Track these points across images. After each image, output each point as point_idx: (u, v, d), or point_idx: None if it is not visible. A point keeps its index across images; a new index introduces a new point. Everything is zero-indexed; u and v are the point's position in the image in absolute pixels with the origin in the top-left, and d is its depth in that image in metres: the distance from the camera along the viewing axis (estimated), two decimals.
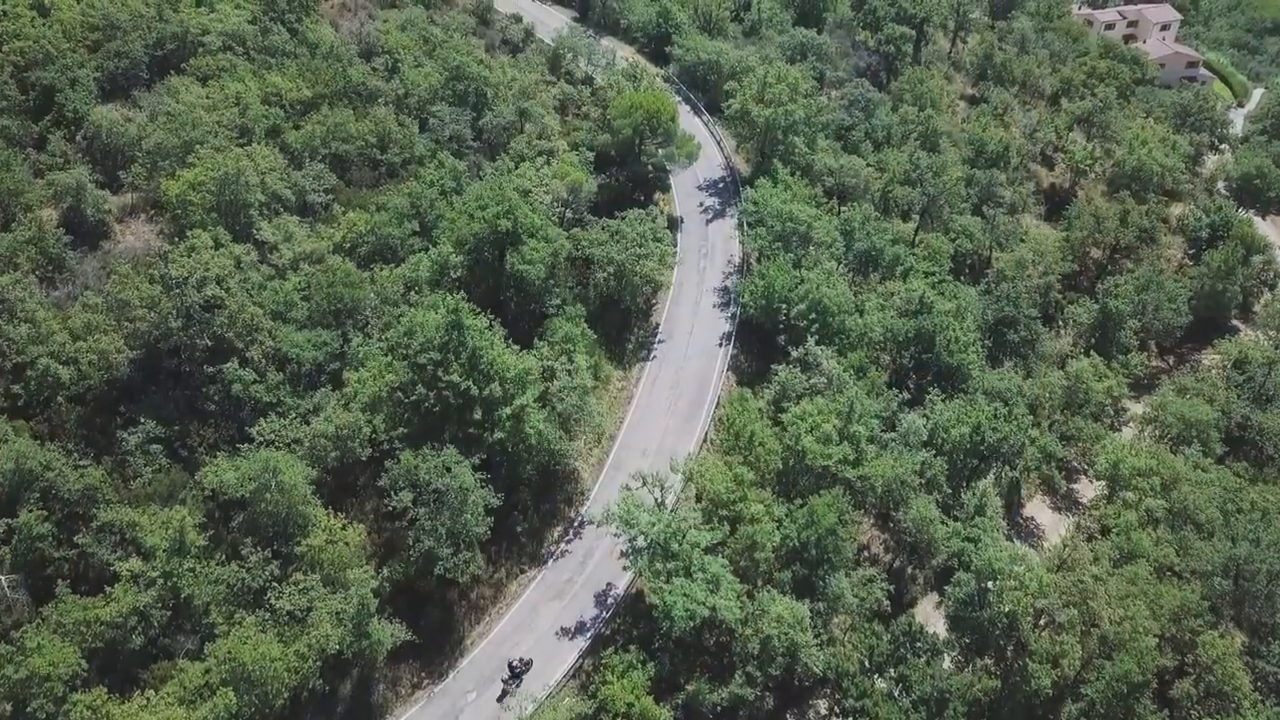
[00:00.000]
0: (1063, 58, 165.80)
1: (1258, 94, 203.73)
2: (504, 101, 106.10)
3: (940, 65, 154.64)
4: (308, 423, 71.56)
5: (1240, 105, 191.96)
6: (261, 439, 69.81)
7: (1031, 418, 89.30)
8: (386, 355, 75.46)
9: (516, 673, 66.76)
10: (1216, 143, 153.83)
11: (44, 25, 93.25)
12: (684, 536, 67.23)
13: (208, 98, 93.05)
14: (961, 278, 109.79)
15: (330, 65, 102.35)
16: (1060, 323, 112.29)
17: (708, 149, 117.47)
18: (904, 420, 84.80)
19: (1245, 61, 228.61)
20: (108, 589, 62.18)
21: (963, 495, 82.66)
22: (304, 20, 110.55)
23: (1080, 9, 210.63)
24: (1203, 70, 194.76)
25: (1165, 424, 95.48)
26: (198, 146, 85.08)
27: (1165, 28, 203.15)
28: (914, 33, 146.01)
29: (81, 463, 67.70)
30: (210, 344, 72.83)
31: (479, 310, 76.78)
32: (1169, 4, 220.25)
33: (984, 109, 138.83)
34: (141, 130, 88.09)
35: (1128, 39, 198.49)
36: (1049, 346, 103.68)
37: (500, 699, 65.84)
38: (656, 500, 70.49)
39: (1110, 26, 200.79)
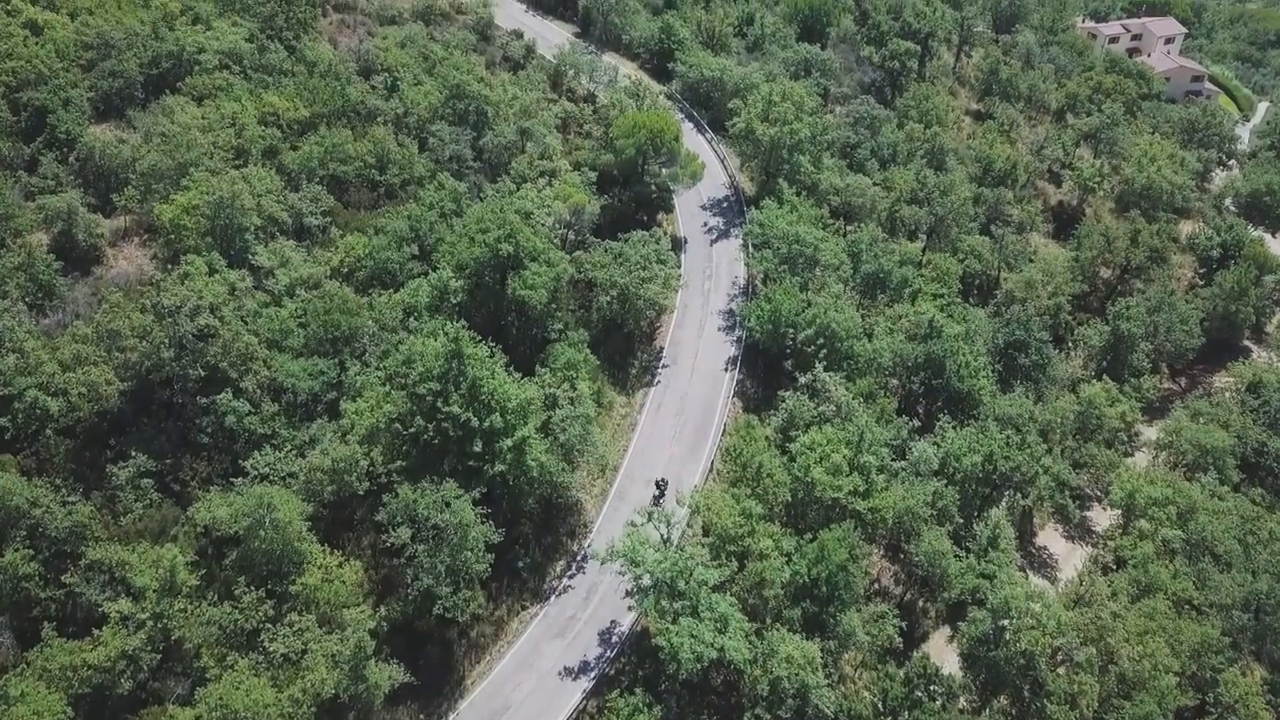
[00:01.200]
0: (1068, 72, 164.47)
1: (1263, 107, 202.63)
2: (505, 121, 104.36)
3: (945, 80, 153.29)
4: (303, 455, 69.58)
5: (1246, 119, 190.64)
6: (256, 473, 67.87)
7: (1044, 445, 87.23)
8: (384, 385, 73.43)
9: None
10: (1224, 158, 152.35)
11: (37, 45, 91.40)
12: (691, 574, 65.16)
13: (203, 118, 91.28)
14: (970, 299, 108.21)
15: (328, 84, 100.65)
16: (1070, 344, 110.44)
17: (711, 167, 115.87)
18: (914, 449, 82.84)
19: (1249, 75, 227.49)
20: (95, 631, 59.98)
21: (975, 526, 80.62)
22: (302, 38, 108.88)
23: (1084, 22, 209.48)
24: (1207, 84, 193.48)
25: (1180, 450, 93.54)
26: (192, 169, 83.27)
27: (1169, 41, 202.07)
28: (919, 48, 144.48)
29: (70, 499, 65.58)
30: (203, 374, 70.85)
31: (479, 337, 74.76)
32: (1173, 17, 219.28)
33: (990, 125, 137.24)
34: (135, 152, 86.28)
35: (1132, 52, 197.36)
36: (1060, 370, 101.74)
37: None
38: (662, 536, 68.47)
39: (1114, 40, 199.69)
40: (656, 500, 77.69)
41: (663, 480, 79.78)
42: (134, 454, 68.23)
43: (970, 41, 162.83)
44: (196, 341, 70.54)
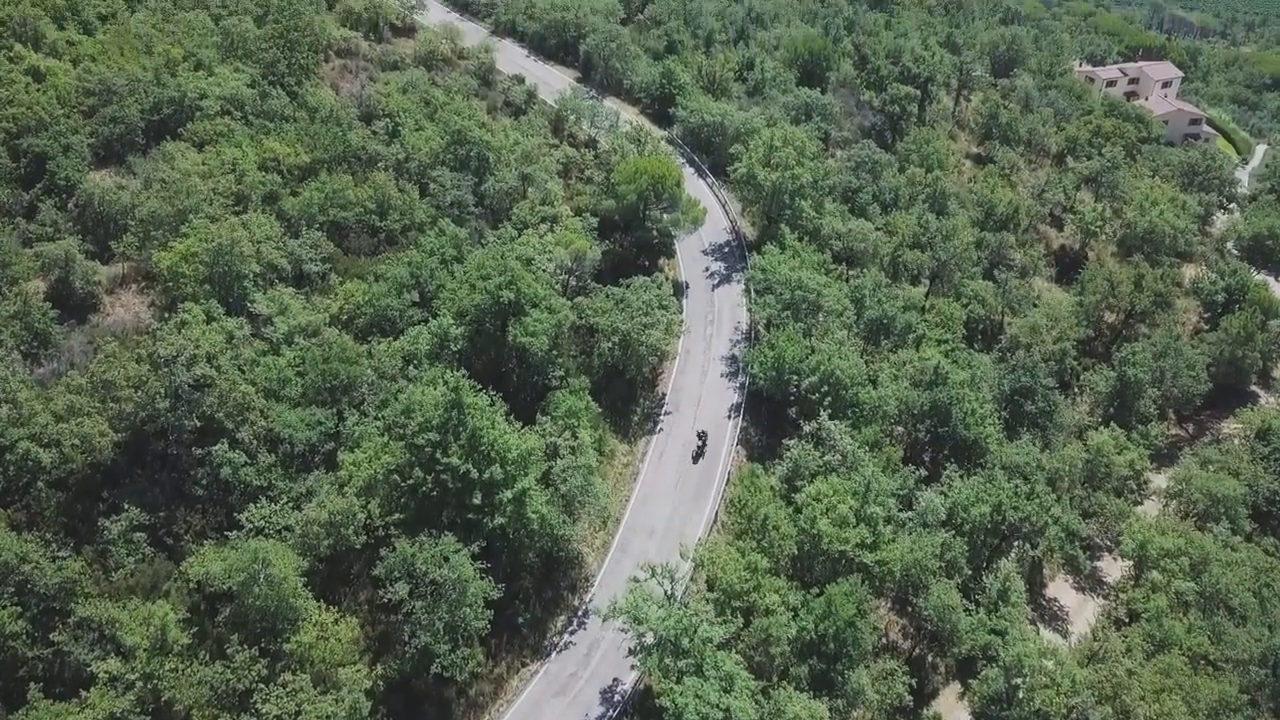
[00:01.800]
0: (1067, 115, 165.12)
1: (1260, 150, 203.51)
2: (506, 166, 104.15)
3: (945, 124, 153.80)
4: (300, 508, 68.16)
5: (1244, 162, 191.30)
6: (251, 526, 66.43)
7: (1053, 494, 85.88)
8: (383, 435, 72.31)
9: None
10: (1225, 202, 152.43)
11: (39, 92, 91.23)
12: (695, 632, 63.51)
13: (204, 164, 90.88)
14: (974, 344, 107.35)
15: (329, 129, 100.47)
16: (1076, 390, 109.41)
17: (713, 212, 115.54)
18: (921, 499, 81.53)
19: (1246, 118, 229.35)
20: (84, 692, 58.20)
21: (984, 578, 79.14)
22: (304, 83, 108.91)
23: (1081, 66, 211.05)
24: (1205, 127, 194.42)
25: (1190, 499, 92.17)
26: (192, 215, 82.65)
27: (1167, 85, 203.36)
28: (918, 92, 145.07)
29: (60, 554, 64.04)
30: (199, 425, 69.69)
31: (480, 386, 73.74)
32: (1169, 61, 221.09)
33: (991, 169, 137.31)
34: (135, 198, 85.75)
35: (1129, 96, 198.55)
36: (1067, 417, 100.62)
37: None
38: (666, 592, 66.89)
39: (1112, 84, 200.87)
40: (698, 454, 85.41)
41: (703, 432, 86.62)
42: (127, 507, 66.82)
43: (969, 86, 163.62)
44: (192, 391, 69.48)
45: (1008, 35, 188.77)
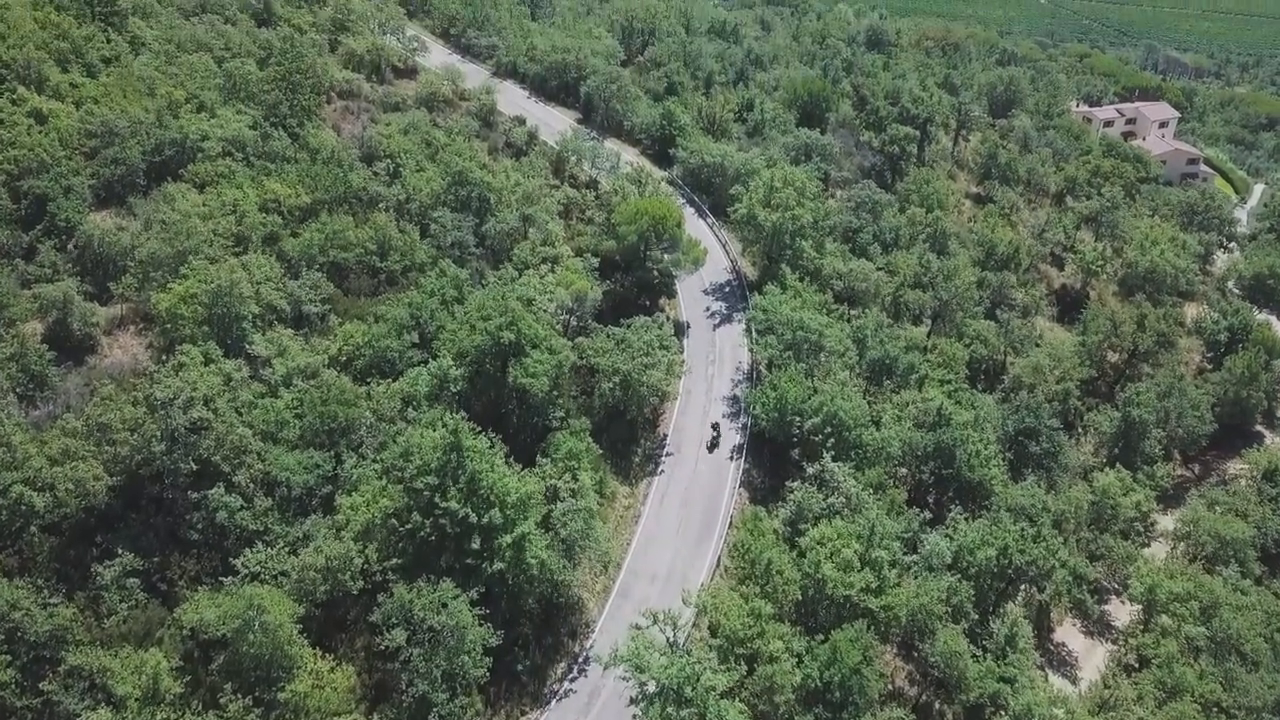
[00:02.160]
0: (1065, 156, 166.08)
1: (1258, 189, 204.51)
2: (507, 207, 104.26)
3: (944, 164, 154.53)
4: (296, 553, 67.11)
5: (1243, 201, 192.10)
6: (246, 571, 65.41)
7: (1059, 537, 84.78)
8: (381, 478, 71.49)
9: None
10: (1225, 241, 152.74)
11: (40, 133, 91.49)
12: (698, 680, 62.19)
13: (204, 205, 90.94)
14: (977, 384, 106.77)
15: (330, 170, 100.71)
16: (1081, 431, 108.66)
17: (714, 252, 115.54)
18: (926, 542, 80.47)
19: (1243, 157, 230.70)
20: None
21: (991, 623, 77.75)
22: (305, 125, 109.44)
23: (1078, 106, 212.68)
24: (1203, 167, 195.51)
25: (1198, 541, 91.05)
26: (191, 256, 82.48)
27: (1164, 125, 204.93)
28: (918, 133, 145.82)
29: (52, 600, 62.90)
30: (195, 468, 68.77)
31: (479, 428, 73.06)
32: (1165, 101, 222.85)
33: (991, 209, 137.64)
34: (134, 239, 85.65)
35: (1127, 136, 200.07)
36: (1072, 457, 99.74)
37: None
38: (668, 639, 65.65)
39: (1109, 124, 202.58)
40: (713, 445, 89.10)
41: (717, 424, 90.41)
42: (120, 552, 65.69)
43: (968, 126, 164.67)
44: (189, 434, 68.69)
45: (1005, 76, 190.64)
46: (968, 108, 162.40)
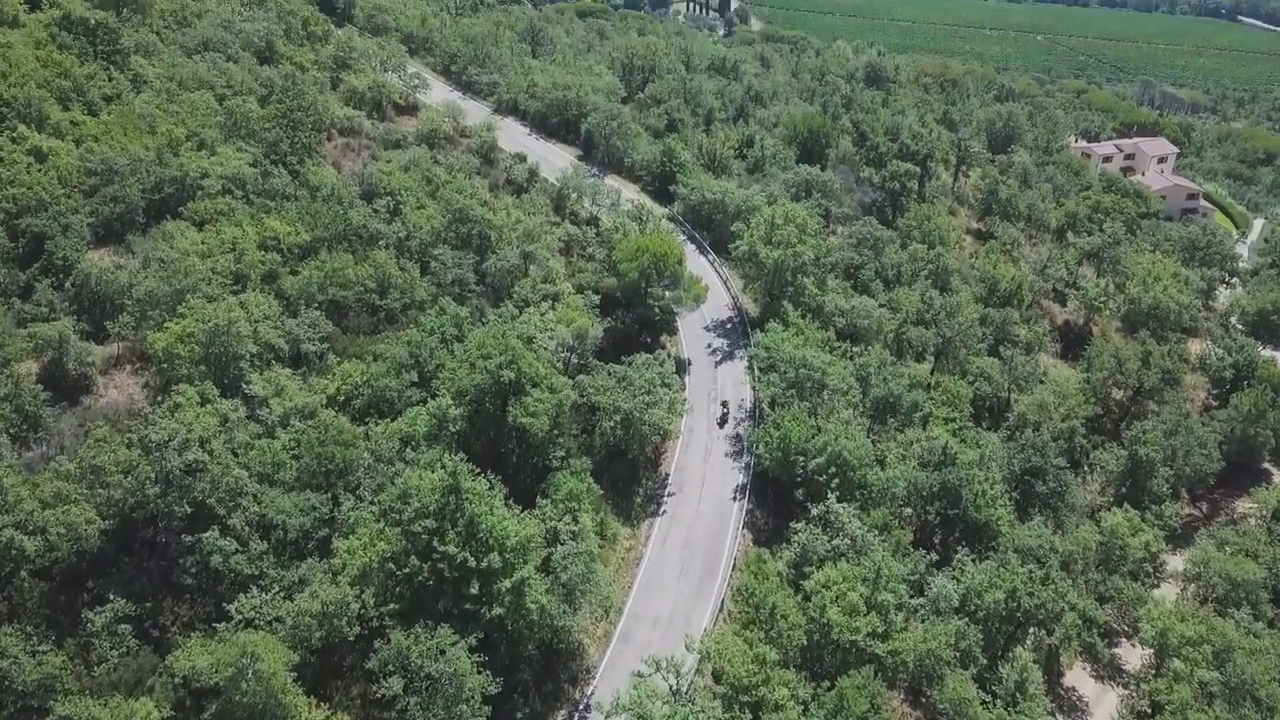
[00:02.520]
0: (1065, 191, 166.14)
1: (1258, 224, 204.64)
2: (508, 244, 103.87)
3: (944, 199, 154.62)
4: (291, 598, 65.70)
5: (1243, 236, 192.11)
6: (240, 617, 63.98)
7: (1068, 579, 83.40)
8: (379, 521, 70.28)
9: None
10: (1227, 276, 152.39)
11: (40, 172, 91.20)
12: None
13: (203, 243, 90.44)
14: (981, 422, 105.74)
15: (330, 208, 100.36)
16: (1087, 469, 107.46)
17: (714, 289, 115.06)
18: (933, 584, 79.13)
19: (1242, 192, 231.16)
20: None
21: (1001, 668, 76.24)
22: (306, 162, 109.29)
23: (1077, 142, 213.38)
24: (1203, 202, 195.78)
25: (1209, 583, 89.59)
26: (189, 295, 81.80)
27: (1162, 160, 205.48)
28: (918, 169, 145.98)
29: (41, 648, 61.42)
30: (190, 511, 67.62)
31: (478, 470, 71.99)
32: (1164, 137, 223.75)
33: (993, 245, 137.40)
34: (132, 278, 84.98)
35: (1126, 171, 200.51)
36: (1078, 497, 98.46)
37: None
38: (671, 687, 64.15)
39: (1108, 159, 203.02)
40: (723, 420, 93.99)
41: (725, 401, 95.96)
42: (112, 597, 64.36)
43: (968, 161, 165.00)
44: (184, 476, 67.58)
45: (1004, 112, 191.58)
46: (967, 143, 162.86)
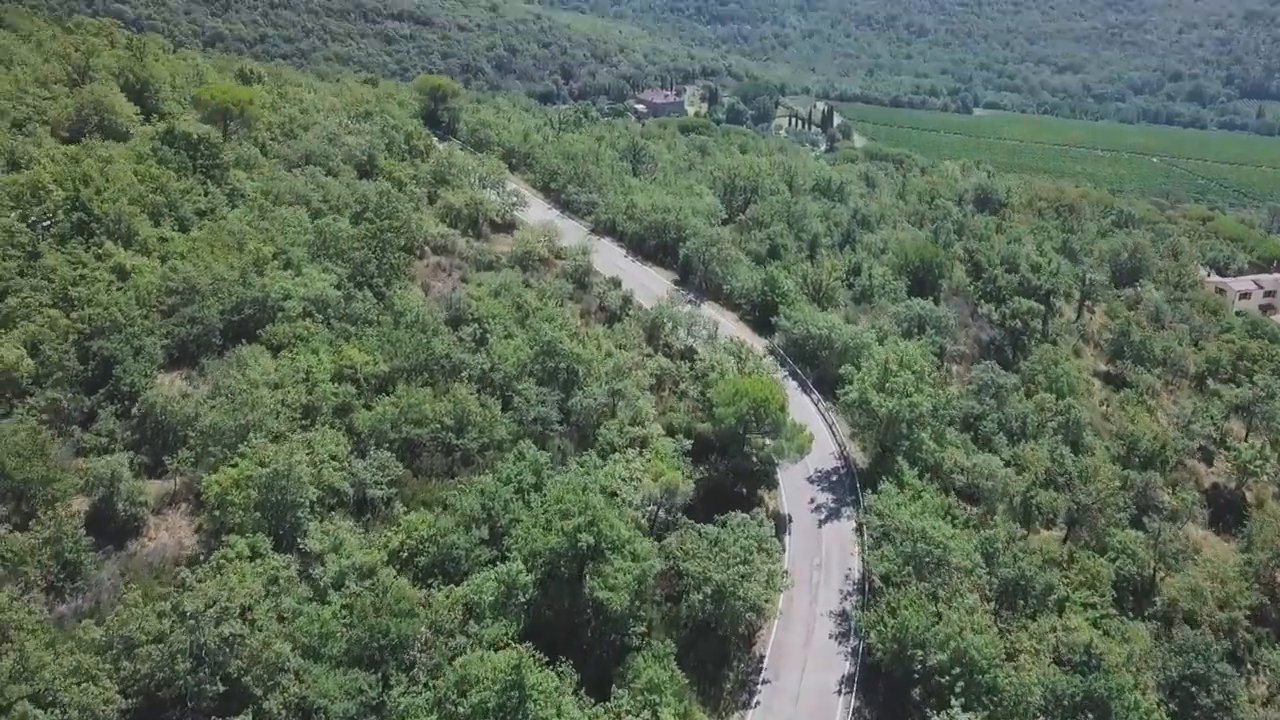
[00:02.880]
0: (1204, 333, 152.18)
1: None
2: (596, 380, 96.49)
3: (1069, 338, 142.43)
4: None
5: None
6: None
7: None
8: (431, 712, 61.39)
9: None
10: None
11: (119, 291, 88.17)
12: None
13: (276, 370, 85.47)
14: (1125, 607, 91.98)
15: (413, 336, 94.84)
16: (1250, 668, 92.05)
17: (819, 434, 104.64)
18: None
19: None
20: None
21: None
22: (393, 283, 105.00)
23: (1210, 276, 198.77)
24: None
25: None
26: (253, 432, 76.10)
27: None
28: (1041, 307, 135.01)
29: None
30: (222, 689, 60.05)
31: (547, 659, 62.84)
32: None
33: (1128, 394, 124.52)
34: (198, 408, 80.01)
35: (1265, 310, 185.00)
36: (1247, 711, 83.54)
37: None
38: None
39: (1245, 296, 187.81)
40: None
41: None
42: None
43: (1093, 296, 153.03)
44: (219, 650, 60.16)
45: (1129, 242, 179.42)
46: (1091, 276, 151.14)
